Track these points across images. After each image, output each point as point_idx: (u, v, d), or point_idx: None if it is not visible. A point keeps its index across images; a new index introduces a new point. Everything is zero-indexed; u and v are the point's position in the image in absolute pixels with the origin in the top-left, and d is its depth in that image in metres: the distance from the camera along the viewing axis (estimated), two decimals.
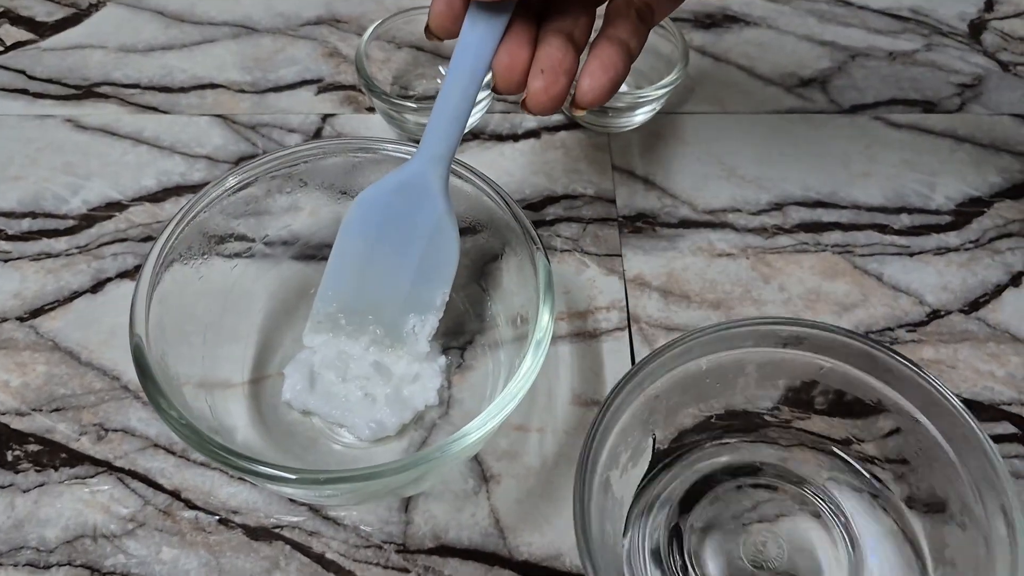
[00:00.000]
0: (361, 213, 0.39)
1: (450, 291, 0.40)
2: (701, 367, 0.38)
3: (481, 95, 0.51)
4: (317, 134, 0.54)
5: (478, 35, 0.34)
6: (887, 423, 0.38)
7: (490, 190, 0.41)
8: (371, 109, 0.55)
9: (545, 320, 0.36)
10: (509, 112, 0.55)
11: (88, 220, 0.50)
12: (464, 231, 0.41)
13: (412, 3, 0.60)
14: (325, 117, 0.55)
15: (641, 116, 0.53)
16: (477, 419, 0.33)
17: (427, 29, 0.36)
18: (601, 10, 0.36)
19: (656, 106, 0.52)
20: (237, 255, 0.43)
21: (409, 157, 0.39)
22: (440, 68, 0.56)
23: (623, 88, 0.55)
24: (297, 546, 0.39)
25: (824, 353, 0.38)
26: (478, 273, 0.45)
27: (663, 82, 0.50)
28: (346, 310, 0.42)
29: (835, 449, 0.40)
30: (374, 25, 0.52)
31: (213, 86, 0.57)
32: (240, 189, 0.41)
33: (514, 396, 0.34)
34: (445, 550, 0.39)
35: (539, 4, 0.35)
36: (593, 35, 0.35)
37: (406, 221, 0.39)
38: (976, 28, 0.60)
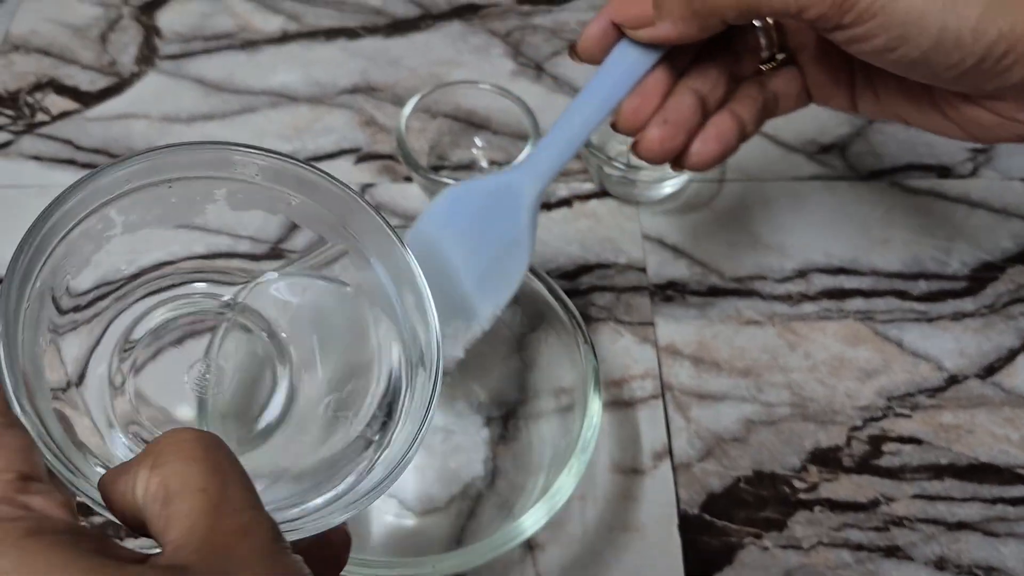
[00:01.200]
0: (448, 205, 0.39)
1: (501, 310, 0.39)
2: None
3: None
4: None
5: (622, 69, 0.35)
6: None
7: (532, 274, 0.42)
8: (408, 179, 0.57)
9: (594, 419, 0.38)
10: None
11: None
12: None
13: (445, 71, 0.63)
14: (364, 187, 0.57)
15: (669, 188, 0.55)
16: (531, 514, 0.36)
17: (572, 50, 0.37)
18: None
19: (683, 178, 0.55)
20: None
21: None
22: (475, 139, 0.58)
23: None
24: None
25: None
26: (517, 344, 0.48)
27: None
28: None
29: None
30: (415, 99, 0.55)
31: None
32: None
33: (565, 494, 0.36)
34: None
35: (685, 61, 0.36)
36: None
37: (488, 225, 0.39)
38: None
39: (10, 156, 0.58)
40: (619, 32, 0.36)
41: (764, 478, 0.47)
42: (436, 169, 0.57)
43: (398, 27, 0.66)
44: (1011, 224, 0.56)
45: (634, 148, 0.36)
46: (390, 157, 0.58)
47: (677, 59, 0.36)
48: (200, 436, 0.22)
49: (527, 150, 0.53)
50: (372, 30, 0.66)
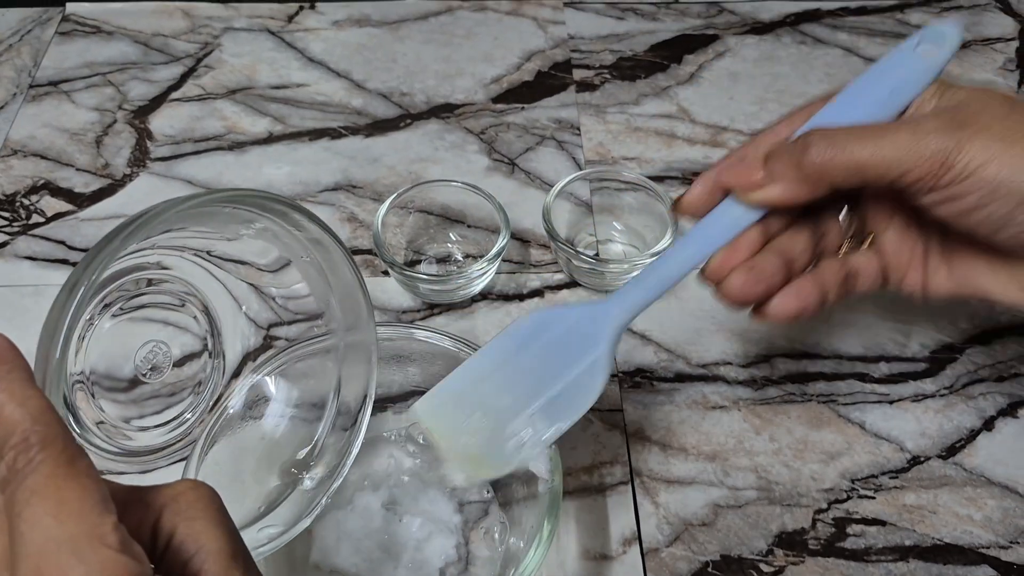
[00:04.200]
0: (533, 326, 0.40)
1: (566, 430, 0.40)
2: None
3: (484, 265, 0.55)
4: None
5: (724, 223, 0.39)
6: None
7: None
8: (386, 272, 0.60)
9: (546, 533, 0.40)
10: (515, 272, 0.60)
11: (131, 384, 0.54)
12: None
13: (423, 168, 0.66)
14: None
15: None
16: None
17: (676, 204, 0.41)
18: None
19: None
20: None
21: None
22: (451, 233, 0.61)
23: (620, 252, 0.60)
24: None
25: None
26: None
27: (656, 248, 0.55)
28: (464, 396, 0.41)
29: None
30: (391, 197, 0.57)
31: None
32: None
33: None
34: None
35: (777, 227, 0.39)
36: None
37: (569, 349, 0.40)
38: None
39: (5, 257, 0.61)
40: (724, 192, 0.39)
41: (732, 562, 0.48)
42: (413, 264, 0.60)
43: (378, 127, 0.69)
44: (968, 305, 0.58)
45: (718, 288, 0.39)
46: (370, 252, 0.61)
47: (770, 224, 0.39)
48: (217, 496, 0.27)
49: (500, 242, 0.56)
50: (354, 130, 0.69)
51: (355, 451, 0.45)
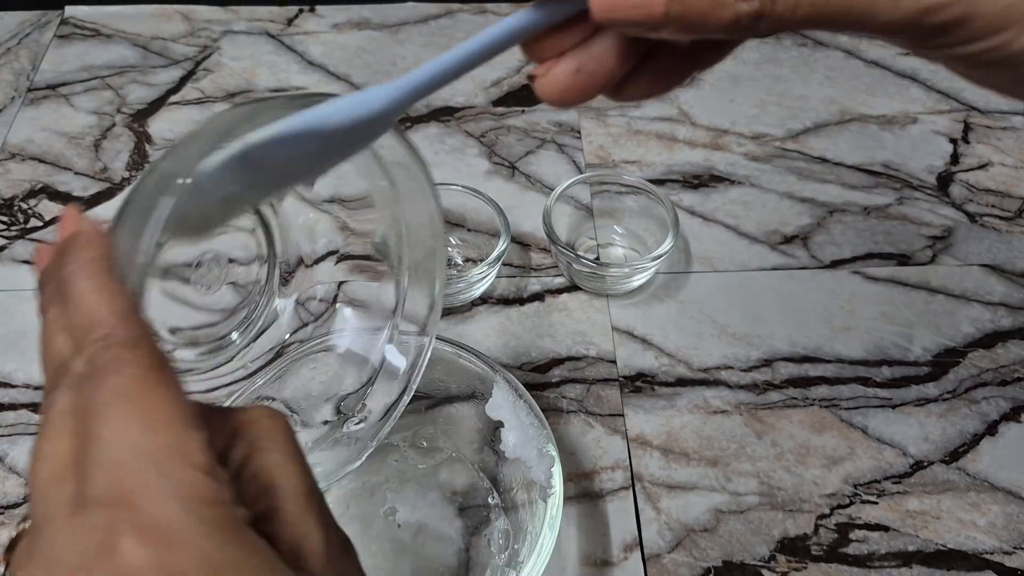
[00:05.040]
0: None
1: None
2: None
3: (484, 269, 0.55)
4: None
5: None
6: None
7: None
8: None
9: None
10: (515, 277, 0.59)
11: None
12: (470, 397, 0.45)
13: None
14: (340, 283, 0.59)
15: (638, 280, 0.57)
16: None
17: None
18: None
19: (651, 271, 0.57)
20: None
21: None
22: (451, 237, 0.60)
23: (620, 255, 0.60)
24: None
25: None
26: (490, 437, 0.49)
27: (656, 252, 0.55)
28: None
29: None
30: None
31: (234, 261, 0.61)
32: None
33: None
34: None
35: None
36: None
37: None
38: (944, 181, 0.65)
39: (3, 261, 0.61)
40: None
41: (734, 568, 0.47)
42: None
43: None
44: (971, 309, 0.58)
45: (533, 80, 0.29)
46: (367, 257, 0.61)
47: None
48: (291, 428, 0.24)
49: (500, 246, 0.55)
50: None
51: (413, 387, 0.42)
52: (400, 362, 0.43)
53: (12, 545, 0.22)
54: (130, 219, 0.25)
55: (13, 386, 0.54)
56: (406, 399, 0.42)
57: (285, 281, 0.43)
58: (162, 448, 0.19)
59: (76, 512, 0.19)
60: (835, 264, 0.60)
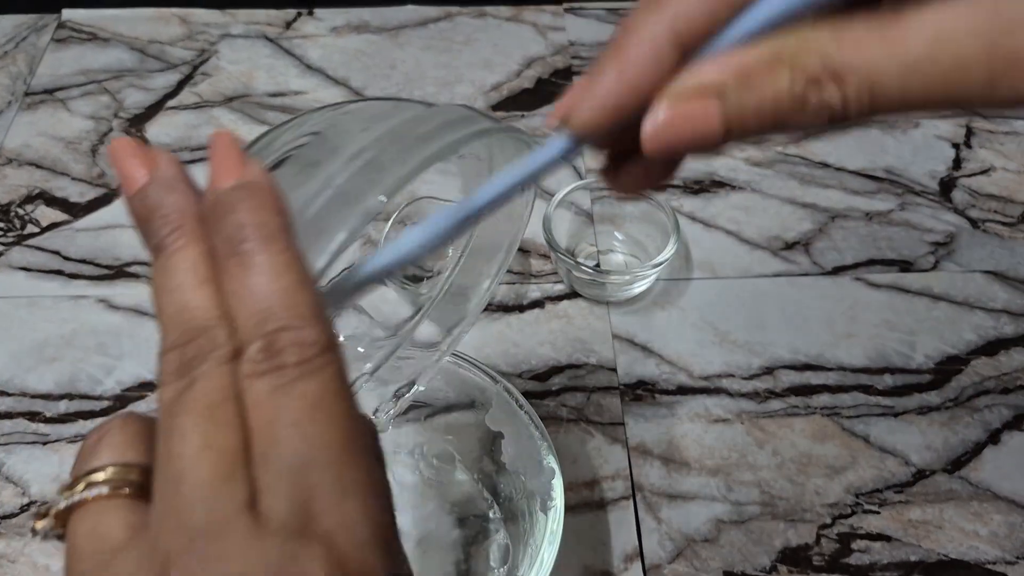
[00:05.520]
0: None
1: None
2: None
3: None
4: None
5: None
6: None
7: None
8: (384, 284, 0.59)
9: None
10: (514, 284, 0.59)
11: (122, 401, 0.53)
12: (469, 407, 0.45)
13: (421, 179, 0.65)
14: None
15: (638, 287, 0.57)
16: None
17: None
18: None
19: (651, 278, 0.56)
20: None
21: None
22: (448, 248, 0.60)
23: (621, 262, 0.59)
24: None
25: None
26: (490, 447, 0.49)
27: (657, 259, 0.54)
28: None
29: None
30: (395, 215, 0.57)
31: None
32: None
33: None
34: None
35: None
36: None
37: None
38: (946, 186, 0.65)
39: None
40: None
41: None
42: (413, 279, 0.59)
43: None
44: (973, 316, 0.58)
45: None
46: None
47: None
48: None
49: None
50: None
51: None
52: None
53: (45, 514, 0.20)
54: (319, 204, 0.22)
55: (9, 394, 0.54)
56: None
57: None
58: (359, 481, 0.18)
59: (259, 533, 0.17)
60: (837, 270, 0.60)
